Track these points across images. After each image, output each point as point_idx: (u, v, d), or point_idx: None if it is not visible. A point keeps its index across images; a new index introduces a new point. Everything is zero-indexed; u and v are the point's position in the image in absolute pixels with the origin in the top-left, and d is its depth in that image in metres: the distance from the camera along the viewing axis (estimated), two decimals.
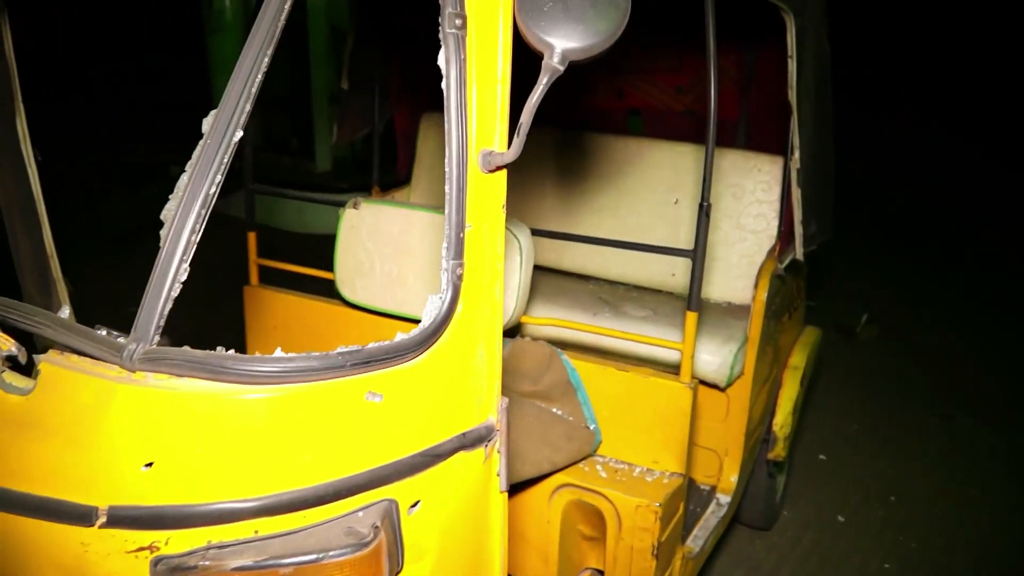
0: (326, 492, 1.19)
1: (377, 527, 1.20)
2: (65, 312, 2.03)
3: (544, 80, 1.26)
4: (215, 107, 1.24)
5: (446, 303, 1.29)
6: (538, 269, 3.39)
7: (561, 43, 1.25)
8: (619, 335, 2.39)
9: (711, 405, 2.83)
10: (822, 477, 4.01)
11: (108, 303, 3.22)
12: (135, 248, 4.82)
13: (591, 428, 2.31)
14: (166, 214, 1.20)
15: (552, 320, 2.50)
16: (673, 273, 3.20)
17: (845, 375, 5.07)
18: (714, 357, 2.65)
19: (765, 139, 3.32)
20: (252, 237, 2.85)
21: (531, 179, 3.47)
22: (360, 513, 1.22)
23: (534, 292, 3.03)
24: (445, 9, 1.25)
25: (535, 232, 2.40)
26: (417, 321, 1.29)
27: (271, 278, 2.90)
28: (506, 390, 2.39)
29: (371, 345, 1.22)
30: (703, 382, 2.70)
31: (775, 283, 2.75)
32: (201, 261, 1.27)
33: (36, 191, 2.09)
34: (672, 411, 2.26)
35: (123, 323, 1.25)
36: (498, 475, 1.43)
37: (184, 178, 1.20)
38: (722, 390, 2.74)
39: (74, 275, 2.12)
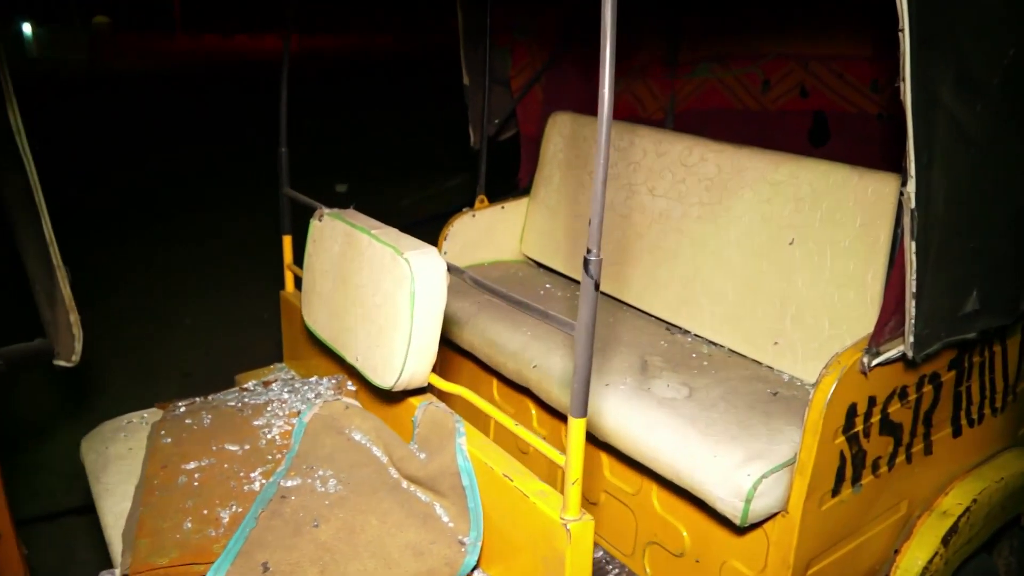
0: None
1: None
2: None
3: None
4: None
5: None
6: (630, 309, 2.71)
7: None
8: (511, 427, 1.71)
9: (747, 545, 1.94)
10: None
11: None
12: None
13: (465, 544, 1.70)
14: None
15: (456, 388, 1.88)
16: (776, 341, 2.28)
17: None
18: (724, 480, 1.79)
19: None
20: (287, 241, 2.71)
21: (626, 193, 2.78)
22: None
23: (564, 333, 2.40)
24: None
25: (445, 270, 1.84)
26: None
27: None
28: (392, 466, 1.90)
29: None
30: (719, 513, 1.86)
31: (854, 383, 1.77)
32: None
33: (34, 180, 2.16)
34: (549, 553, 1.55)
35: None
36: None
37: None
38: (739, 532, 1.85)
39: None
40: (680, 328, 2.56)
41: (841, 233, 2.16)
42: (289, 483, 1.77)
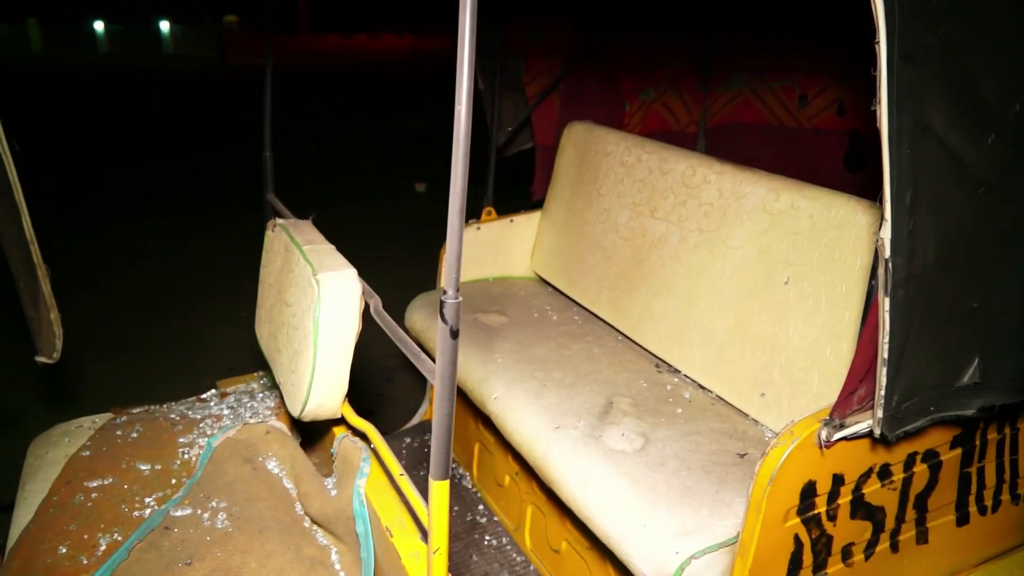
0: None
1: None
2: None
3: None
4: None
5: None
6: (625, 341, 2.49)
7: None
8: (396, 476, 1.53)
9: None
10: None
11: None
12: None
13: None
14: None
15: (363, 424, 1.71)
16: (763, 393, 2.01)
17: None
18: (651, 554, 1.56)
19: None
20: None
21: (629, 213, 2.54)
22: None
23: (537, 363, 2.22)
24: None
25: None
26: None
27: None
28: (298, 501, 1.76)
29: None
30: None
31: (811, 459, 1.50)
32: None
33: (13, 179, 2.18)
34: None
35: None
36: None
37: None
38: None
39: None
40: (671, 366, 2.31)
41: (839, 276, 1.87)
42: (179, 513, 1.67)
